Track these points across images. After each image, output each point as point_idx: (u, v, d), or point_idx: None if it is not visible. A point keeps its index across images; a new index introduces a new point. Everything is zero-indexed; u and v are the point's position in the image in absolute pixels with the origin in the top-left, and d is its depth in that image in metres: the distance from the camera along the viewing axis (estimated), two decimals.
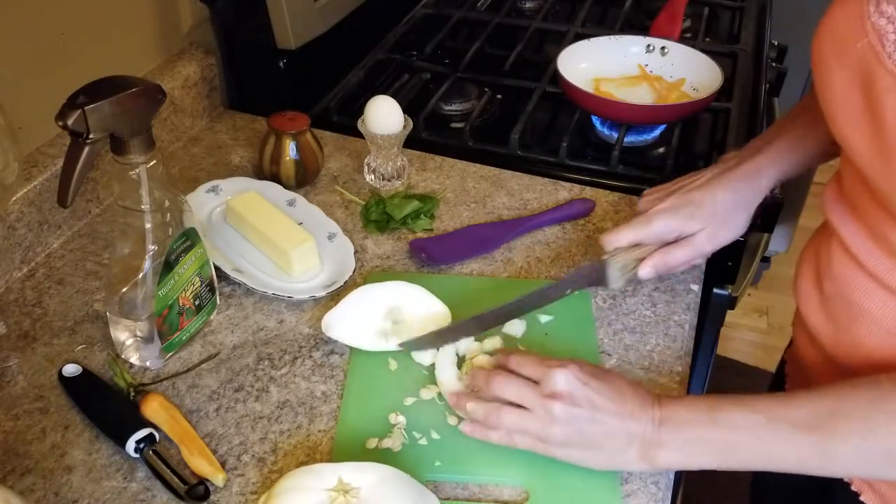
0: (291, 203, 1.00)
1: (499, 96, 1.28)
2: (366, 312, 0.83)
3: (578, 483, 0.70)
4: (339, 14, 1.32)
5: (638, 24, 1.51)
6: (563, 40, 1.38)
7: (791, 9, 1.94)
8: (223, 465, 0.72)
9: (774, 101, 1.44)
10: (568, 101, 1.20)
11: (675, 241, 0.82)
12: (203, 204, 0.99)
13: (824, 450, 0.63)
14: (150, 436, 0.72)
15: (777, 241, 1.16)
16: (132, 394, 0.77)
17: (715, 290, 1.03)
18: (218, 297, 0.87)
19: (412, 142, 1.08)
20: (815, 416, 0.63)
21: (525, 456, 0.71)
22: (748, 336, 2.28)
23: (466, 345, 0.81)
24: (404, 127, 1.01)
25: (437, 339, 0.80)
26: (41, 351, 0.83)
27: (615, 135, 1.16)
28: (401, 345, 0.80)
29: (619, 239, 0.81)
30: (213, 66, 1.20)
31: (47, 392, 0.79)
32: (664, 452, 0.66)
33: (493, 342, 0.82)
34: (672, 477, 0.73)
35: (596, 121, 1.20)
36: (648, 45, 1.28)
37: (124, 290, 0.79)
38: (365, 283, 0.90)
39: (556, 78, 1.19)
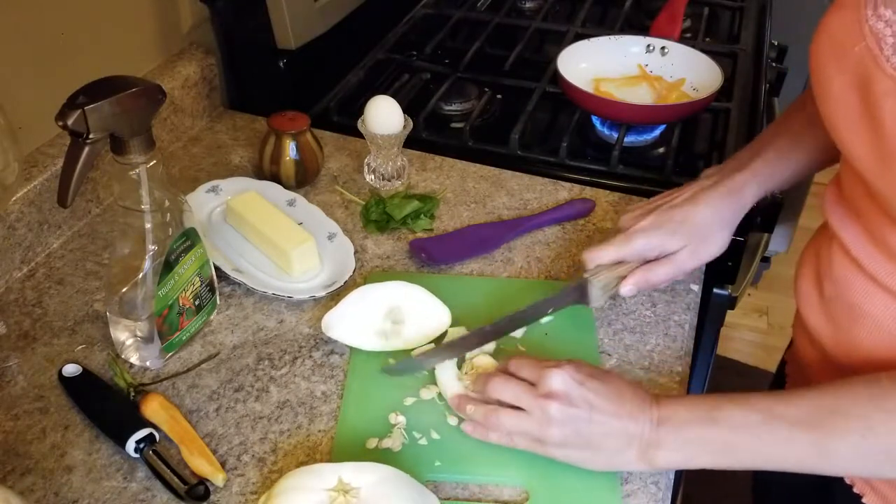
0: (291, 203, 1.00)
1: (499, 96, 1.28)
2: (366, 312, 0.83)
3: (578, 483, 0.70)
4: (339, 14, 1.32)
5: (638, 24, 1.51)
6: (563, 40, 1.38)
7: (791, 9, 1.94)
8: (223, 465, 0.72)
9: (774, 101, 1.44)
10: (568, 101, 1.20)
11: (657, 259, 0.82)
12: (203, 204, 0.99)
13: (823, 449, 0.63)
14: (150, 436, 0.72)
15: (777, 241, 1.15)
16: (132, 394, 0.78)
17: (715, 290, 1.03)
18: (218, 297, 0.87)
19: (412, 142, 1.08)
20: (815, 414, 0.63)
21: (525, 456, 0.71)
22: (748, 336, 2.28)
23: None
24: (404, 127, 1.01)
25: (421, 363, 0.79)
26: (41, 351, 0.83)
27: (615, 135, 1.16)
28: (384, 370, 0.79)
29: (600, 256, 0.81)
30: (213, 66, 1.20)
31: (47, 392, 0.79)
32: (663, 452, 0.66)
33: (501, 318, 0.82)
34: (672, 477, 0.73)
35: (596, 121, 1.20)
36: (648, 45, 1.28)
37: (124, 290, 0.79)
38: (365, 283, 0.90)
39: (556, 78, 1.19)
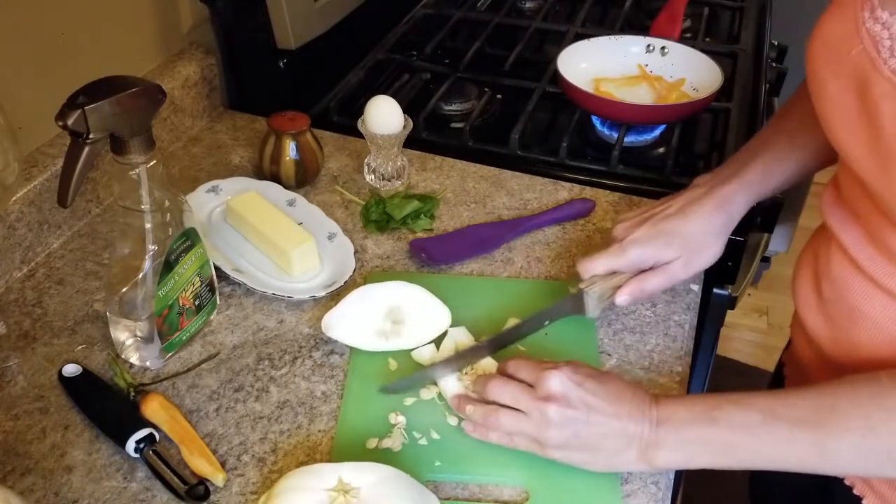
0: (291, 203, 1.00)
1: (499, 96, 1.28)
2: (366, 312, 0.83)
3: (578, 483, 0.70)
4: (339, 14, 1.32)
5: (638, 24, 1.51)
6: (563, 40, 1.38)
7: (791, 9, 1.94)
8: (223, 465, 0.72)
9: (774, 101, 1.44)
10: (568, 101, 1.20)
11: (651, 269, 0.82)
12: (203, 204, 0.99)
13: (824, 448, 0.63)
14: (150, 436, 0.72)
15: (777, 241, 1.15)
16: (132, 394, 0.78)
17: (715, 290, 1.03)
18: (218, 297, 0.87)
19: (412, 142, 1.08)
20: (815, 414, 0.63)
21: (525, 456, 0.71)
22: (748, 336, 2.28)
23: (466, 344, 0.81)
24: (404, 127, 1.01)
25: (416, 382, 0.78)
26: (41, 351, 0.83)
27: (615, 135, 1.16)
28: (381, 389, 0.78)
29: (594, 267, 0.81)
30: (213, 66, 1.20)
31: (47, 392, 0.79)
32: (663, 453, 0.66)
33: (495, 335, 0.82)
34: (672, 477, 0.73)
35: (596, 121, 1.20)
36: (648, 45, 1.28)
37: (124, 290, 0.79)
38: (365, 283, 0.90)
39: (556, 78, 1.19)
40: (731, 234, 0.86)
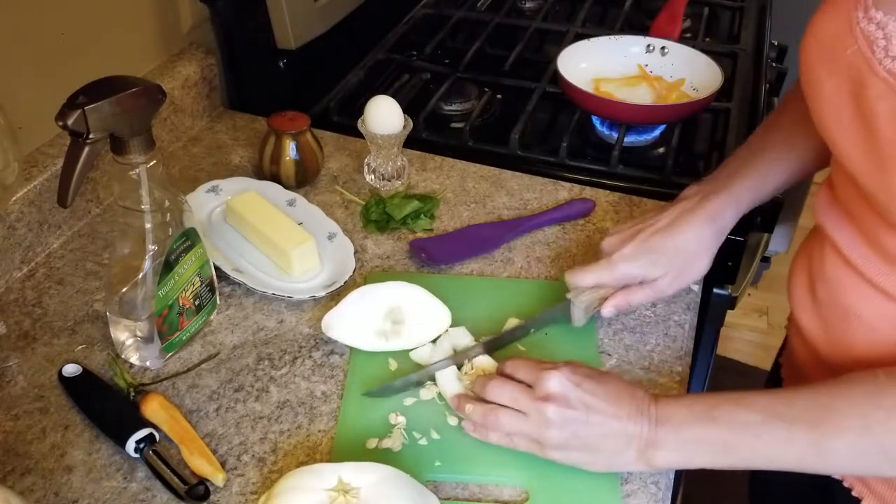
0: (291, 203, 1.00)
1: (499, 96, 1.28)
2: (366, 312, 0.83)
3: (578, 483, 0.70)
4: (339, 14, 1.32)
5: (638, 24, 1.51)
6: (563, 40, 1.38)
7: (791, 9, 1.94)
8: (223, 465, 0.72)
9: (774, 101, 1.43)
10: (568, 101, 1.20)
11: (639, 284, 0.82)
12: (203, 204, 0.99)
13: (821, 448, 0.63)
14: (150, 436, 0.72)
15: (777, 241, 1.15)
16: (132, 394, 0.78)
17: (715, 290, 1.03)
18: (218, 297, 0.87)
19: (412, 142, 1.08)
20: (812, 413, 0.63)
21: (525, 456, 0.71)
22: (748, 336, 2.28)
23: (465, 344, 0.81)
24: (404, 127, 1.01)
25: (398, 387, 0.78)
26: (41, 351, 0.83)
27: (615, 135, 1.16)
28: (364, 393, 0.78)
29: (583, 280, 0.82)
30: (213, 66, 1.20)
31: (47, 392, 0.79)
32: (662, 453, 0.66)
33: (489, 338, 0.82)
34: (672, 477, 0.73)
35: (596, 121, 1.20)
36: (648, 45, 1.28)
37: (124, 290, 0.79)
38: (365, 283, 0.90)
39: (556, 78, 1.19)
40: (731, 234, 0.86)
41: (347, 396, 0.78)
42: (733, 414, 0.65)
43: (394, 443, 0.73)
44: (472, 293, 0.90)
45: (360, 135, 1.03)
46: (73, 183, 0.71)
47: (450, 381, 0.77)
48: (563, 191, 1.07)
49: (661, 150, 1.17)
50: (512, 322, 0.85)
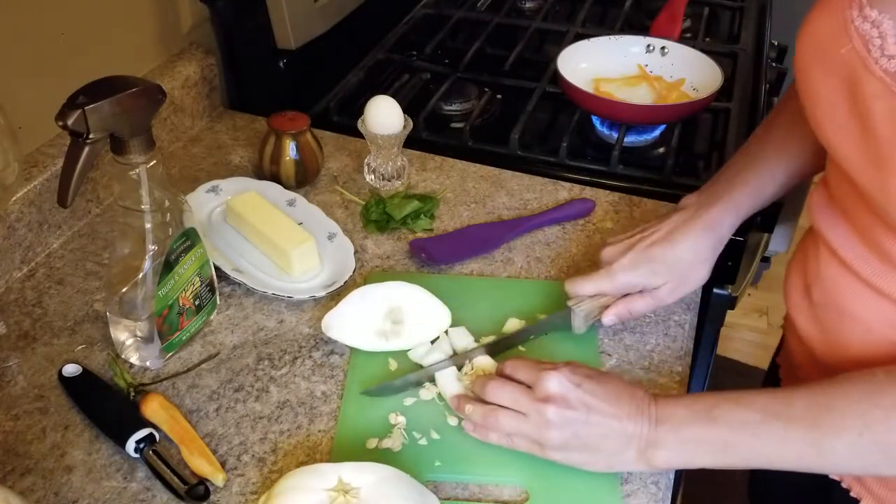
0: (291, 203, 1.00)
1: (499, 96, 1.28)
2: (366, 312, 0.83)
3: (578, 483, 0.70)
4: (339, 14, 1.32)
5: (638, 24, 1.51)
6: (563, 40, 1.38)
7: (791, 9, 1.93)
8: (223, 465, 0.72)
9: (774, 101, 1.43)
10: (568, 101, 1.20)
11: (639, 292, 0.82)
12: (203, 204, 0.99)
13: (821, 447, 0.63)
14: (150, 436, 0.72)
15: (777, 241, 1.15)
16: (132, 394, 0.78)
17: (715, 290, 1.03)
18: (218, 297, 0.87)
19: (412, 142, 1.08)
20: (812, 412, 0.63)
21: (525, 456, 0.71)
22: (748, 336, 2.28)
23: (465, 344, 0.81)
24: (404, 127, 1.01)
25: (397, 387, 0.79)
26: (41, 351, 0.83)
27: (615, 135, 1.16)
28: (363, 392, 0.78)
29: (582, 289, 0.82)
30: (213, 66, 1.20)
31: (47, 392, 0.79)
32: (662, 452, 0.66)
33: (490, 340, 0.82)
34: (672, 477, 0.73)
35: (596, 121, 1.20)
36: (648, 45, 1.28)
37: (124, 290, 0.79)
38: (365, 283, 0.90)
39: (556, 78, 1.19)
40: (731, 235, 0.86)
41: (347, 396, 0.78)
42: (733, 413, 0.65)
43: (394, 443, 0.73)
44: (472, 293, 0.90)
45: (360, 135, 1.03)
46: (73, 183, 0.71)
47: (450, 382, 0.77)
48: (563, 191, 1.07)
49: (661, 150, 1.17)
50: (512, 323, 0.85)
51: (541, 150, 1.15)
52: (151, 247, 0.76)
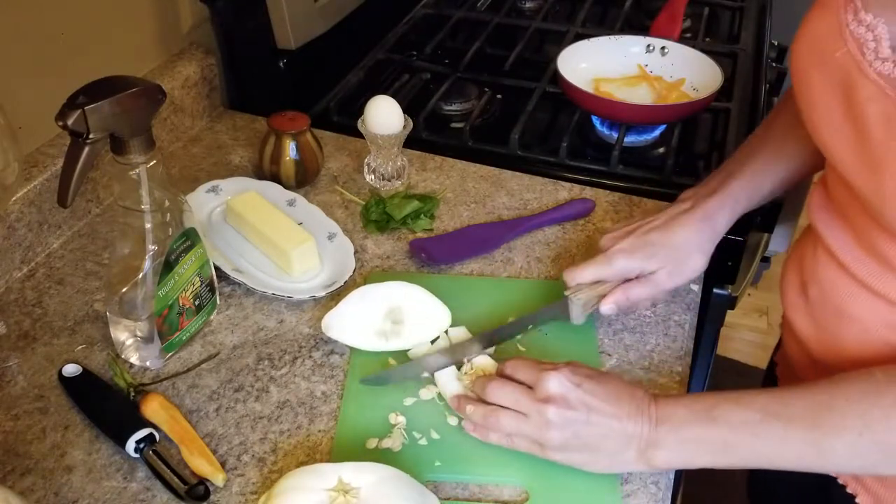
0: (291, 203, 1.00)
1: (499, 96, 1.28)
2: (366, 312, 0.83)
3: (578, 483, 0.70)
4: (339, 14, 1.32)
5: (638, 24, 1.51)
6: (563, 40, 1.38)
7: (791, 9, 1.93)
8: (223, 465, 0.72)
9: (774, 101, 1.43)
10: (568, 101, 1.20)
11: (637, 278, 0.82)
12: (203, 204, 0.99)
13: (821, 447, 0.63)
14: (150, 436, 0.72)
15: (777, 241, 1.15)
16: (132, 394, 0.78)
17: (715, 290, 1.03)
18: (218, 297, 0.87)
19: (412, 142, 1.08)
20: (812, 412, 0.63)
21: (525, 456, 0.71)
22: (748, 336, 2.28)
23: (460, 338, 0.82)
24: (404, 127, 1.01)
25: (399, 374, 0.79)
26: (41, 351, 0.83)
27: (615, 135, 1.16)
28: (362, 381, 0.78)
29: (581, 276, 0.82)
30: (213, 66, 1.20)
31: (47, 392, 0.79)
32: (662, 452, 0.66)
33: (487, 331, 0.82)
34: (672, 477, 0.73)
35: (596, 121, 1.20)
36: (648, 45, 1.28)
37: (124, 290, 0.79)
38: (365, 283, 0.90)
39: (556, 78, 1.19)
40: (731, 235, 0.86)
41: (347, 396, 0.78)
42: (733, 413, 0.65)
43: (394, 443, 0.73)
44: (472, 293, 0.90)
45: (360, 135, 1.03)
46: (73, 183, 0.71)
47: (449, 382, 0.77)
48: (563, 191, 1.07)
49: (661, 150, 1.17)
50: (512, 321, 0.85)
51: (541, 150, 1.15)
52: (151, 247, 0.76)
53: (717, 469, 0.67)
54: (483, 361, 0.78)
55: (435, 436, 0.74)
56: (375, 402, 0.77)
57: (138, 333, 0.80)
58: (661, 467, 0.68)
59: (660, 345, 0.85)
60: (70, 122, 0.67)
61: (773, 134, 0.85)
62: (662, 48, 1.27)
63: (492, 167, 1.11)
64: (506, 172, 1.10)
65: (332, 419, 0.76)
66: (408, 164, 1.05)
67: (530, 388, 0.70)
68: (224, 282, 0.90)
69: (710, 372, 1.17)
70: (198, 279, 0.81)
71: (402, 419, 0.75)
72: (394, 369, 0.79)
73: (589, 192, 1.07)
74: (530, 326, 0.84)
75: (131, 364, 0.82)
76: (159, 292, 0.77)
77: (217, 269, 0.87)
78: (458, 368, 0.79)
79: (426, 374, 0.79)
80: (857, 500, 0.75)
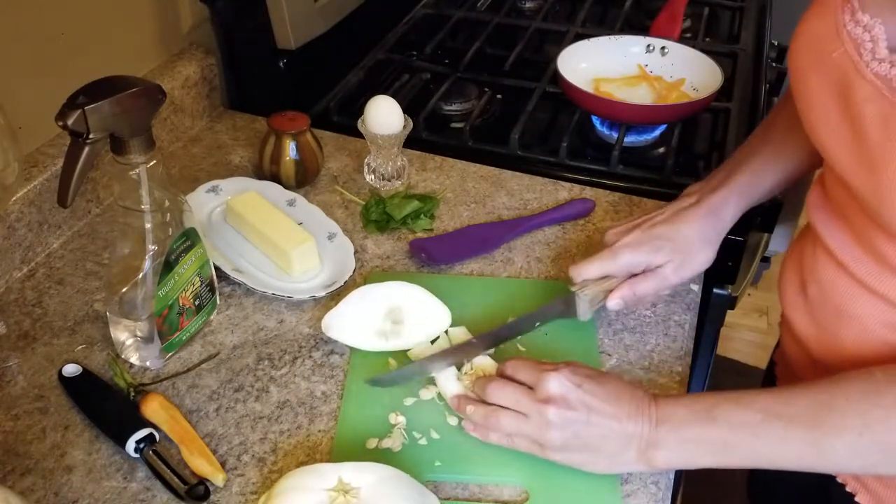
0: (291, 203, 1.00)
1: (499, 96, 1.28)
2: (366, 312, 0.83)
3: (578, 483, 0.70)
4: (339, 14, 1.32)
5: (638, 24, 1.51)
6: (563, 40, 1.38)
7: (791, 9, 1.93)
8: (223, 465, 0.72)
9: (774, 101, 1.44)
10: (568, 101, 1.20)
11: (643, 273, 0.82)
12: (203, 204, 0.99)
13: (821, 447, 0.63)
14: (150, 436, 0.72)
15: (777, 241, 1.15)
16: (132, 394, 0.78)
17: (715, 290, 1.03)
18: (218, 297, 0.87)
19: (412, 142, 1.08)
20: (812, 412, 0.63)
21: (525, 456, 0.71)
22: (748, 336, 2.28)
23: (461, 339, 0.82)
24: (404, 127, 1.01)
25: (406, 375, 0.79)
26: (41, 351, 0.83)
27: (615, 135, 1.16)
28: (369, 381, 0.78)
29: (587, 271, 0.82)
30: (213, 66, 1.20)
31: (47, 392, 0.79)
32: (662, 453, 0.66)
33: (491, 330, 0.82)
34: (672, 477, 0.73)
35: (596, 121, 1.20)
36: (648, 45, 1.28)
37: (124, 290, 0.79)
38: (365, 283, 0.90)
39: (556, 78, 1.19)
40: (731, 234, 0.86)
41: (347, 396, 0.78)
42: (733, 413, 0.65)
43: (394, 443, 0.73)
44: (472, 293, 0.90)
45: (360, 135, 1.03)
46: (73, 183, 0.71)
47: (449, 382, 0.77)
48: (563, 191, 1.07)
49: (661, 150, 1.17)
50: (512, 321, 0.85)
51: (541, 150, 1.15)
52: (151, 247, 0.76)
53: (717, 469, 0.66)
54: (483, 362, 0.78)
55: (435, 436, 0.74)
56: (375, 402, 0.77)
57: (138, 333, 0.80)
58: (661, 467, 0.68)
59: (660, 345, 0.85)
60: (70, 122, 0.67)
61: (773, 133, 0.85)
62: (662, 48, 1.27)
63: (492, 167, 1.11)
64: (506, 172, 1.10)
65: (332, 419, 0.76)
66: (408, 164, 1.05)
67: (530, 388, 0.70)
68: (224, 282, 0.90)
69: (710, 372, 1.17)
70: (198, 279, 0.81)
71: (402, 419, 0.75)
72: (401, 369, 0.79)
73: (589, 192, 1.07)
74: (537, 324, 0.83)
75: (131, 364, 0.82)
76: (159, 292, 0.77)
77: (217, 269, 0.87)
78: (459, 369, 0.79)
79: (431, 374, 0.79)
80: (856, 498, 0.75)
